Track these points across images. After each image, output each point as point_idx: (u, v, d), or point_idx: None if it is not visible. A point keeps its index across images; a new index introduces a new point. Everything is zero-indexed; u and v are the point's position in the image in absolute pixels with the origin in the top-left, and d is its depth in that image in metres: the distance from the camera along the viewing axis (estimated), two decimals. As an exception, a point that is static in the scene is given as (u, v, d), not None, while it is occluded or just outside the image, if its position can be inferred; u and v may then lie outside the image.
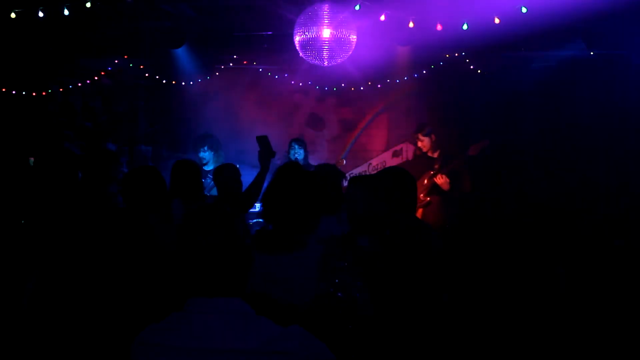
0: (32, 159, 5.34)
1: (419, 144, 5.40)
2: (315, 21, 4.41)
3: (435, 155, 5.32)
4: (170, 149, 7.25)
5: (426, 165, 5.27)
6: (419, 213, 5.16)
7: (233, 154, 6.20)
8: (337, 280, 1.94)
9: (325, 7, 4.41)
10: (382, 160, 7.55)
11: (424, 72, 6.90)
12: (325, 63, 4.60)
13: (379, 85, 7.27)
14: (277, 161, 6.90)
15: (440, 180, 5.04)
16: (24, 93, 7.09)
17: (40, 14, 4.80)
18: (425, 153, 5.38)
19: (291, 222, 2.06)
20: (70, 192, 2.99)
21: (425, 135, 5.32)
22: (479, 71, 6.72)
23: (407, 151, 7.44)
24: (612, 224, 5.01)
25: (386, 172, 2.69)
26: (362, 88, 7.28)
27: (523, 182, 6.10)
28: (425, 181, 5.15)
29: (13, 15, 4.85)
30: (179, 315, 1.33)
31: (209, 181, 4.79)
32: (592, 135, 6.14)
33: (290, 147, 5.50)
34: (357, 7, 4.63)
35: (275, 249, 2.04)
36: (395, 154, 7.55)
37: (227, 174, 3.72)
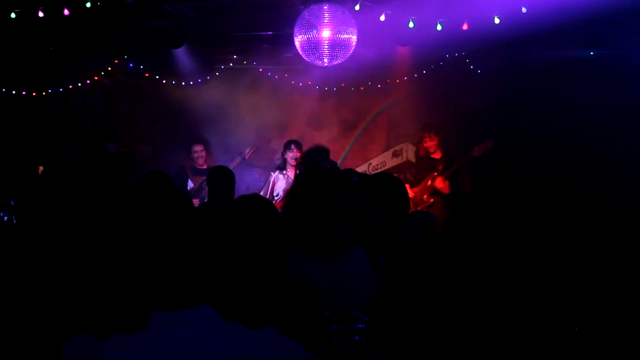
0: (40, 168, 5.32)
1: (428, 143, 5.29)
2: (315, 21, 4.41)
3: (438, 156, 5.28)
4: (170, 150, 7.25)
5: (429, 166, 5.24)
6: None
7: (232, 154, 6.20)
8: None
9: (325, 7, 4.41)
10: (382, 160, 7.54)
11: (424, 72, 6.89)
12: (325, 63, 4.59)
13: (378, 85, 7.27)
14: (277, 161, 6.92)
15: (440, 184, 5.02)
16: (24, 93, 7.09)
17: (40, 14, 4.80)
18: (429, 154, 5.32)
19: (332, 228, 2.00)
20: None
21: (436, 135, 5.26)
22: (479, 71, 6.72)
23: (407, 151, 7.44)
24: (612, 224, 5.00)
25: (379, 178, 2.63)
26: (362, 88, 7.28)
27: (522, 183, 6.10)
28: (429, 182, 5.14)
29: (13, 15, 4.85)
30: (145, 334, 1.29)
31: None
32: (592, 135, 6.13)
33: (286, 148, 5.38)
34: (357, 7, 4.63)
35: (323, 254, 1.98)
36: (395, 154, 7.54)
37: (221, 178, 3.68)
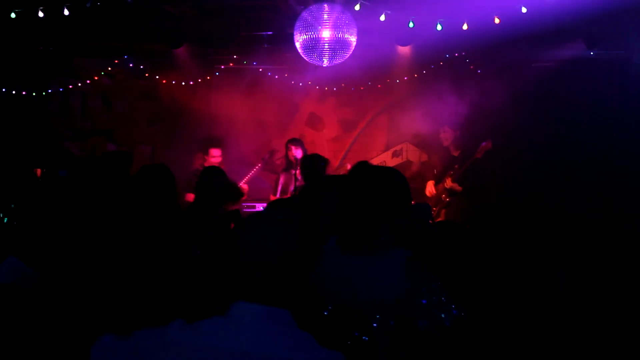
0: (38, 170, 5.30)
1: (442, 135, 5.39)
2: (315, 21, 4.41)
3: (457, 154, 5.30)
4: (170, 150, 7.25)
5: (449, 164, 5.28)
6: (442, 214, 5.18)
7: (233, 155, 6.21)
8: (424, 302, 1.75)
9: (326, 7, 4.41)
10: (382, 160, 7.55)
11: (424, 72, 6.89)
12: (325, 63, 4.60)
13: (379, 86, 7.27)
14: (278, 161, 6.93)
15: (449, 184, 5.07)
16: (24, 93, 7.09)
17: (40, 14, 4.80)
18: (448, 149, 5.37)
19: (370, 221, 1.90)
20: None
21: (450, 127, 5.32)
22: (479, 71, 6.72)
23: (407, 151, 7.44)
24: (612, 224, 5.00)
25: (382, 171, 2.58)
26: (362, 88, 7.28)
27: (522, 183, 6.10)
28: (445, 182, 5.19)
29: (13, 15, 4.86)
30: (220, 318, 1.30)
31: None
32: (592, 135, 6.13)
33: (287, 148, 5.46)
34: (357, 7, 4.63)
35: (357, 249, 1.90)
36: (395, 154, 7.54)
37: (211, 177, 3.67)
